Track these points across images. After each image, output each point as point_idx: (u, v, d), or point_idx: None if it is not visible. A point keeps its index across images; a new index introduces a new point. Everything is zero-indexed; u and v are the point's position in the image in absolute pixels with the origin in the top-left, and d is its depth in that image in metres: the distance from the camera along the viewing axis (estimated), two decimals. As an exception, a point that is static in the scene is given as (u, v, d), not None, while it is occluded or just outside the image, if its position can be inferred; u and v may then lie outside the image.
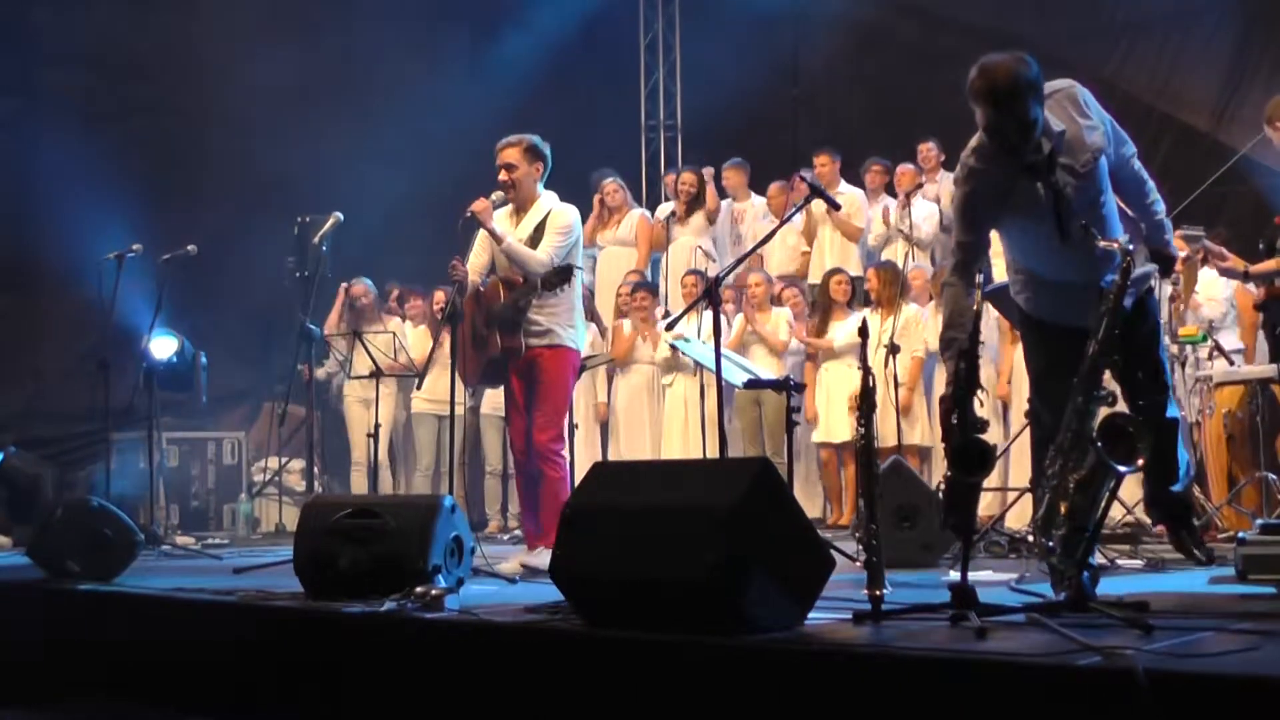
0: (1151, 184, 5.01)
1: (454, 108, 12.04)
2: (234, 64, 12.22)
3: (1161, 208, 5.05)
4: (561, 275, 6.45)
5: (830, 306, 9.56)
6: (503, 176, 6.69)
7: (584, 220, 9.18)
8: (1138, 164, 4.97)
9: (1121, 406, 4.73)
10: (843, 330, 9.45)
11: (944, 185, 10.33)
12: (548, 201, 6.72)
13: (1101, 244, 4.68)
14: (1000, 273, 9.09)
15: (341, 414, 10.96)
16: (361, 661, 4.65)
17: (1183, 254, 6.52)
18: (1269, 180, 8.43)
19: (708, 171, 10.98)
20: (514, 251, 6.54)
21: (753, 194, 11.01)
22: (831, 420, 9.43)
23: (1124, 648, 3.32)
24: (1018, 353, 8.62)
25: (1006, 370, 8.76)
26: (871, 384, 4.60)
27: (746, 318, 9.64)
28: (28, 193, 11.28)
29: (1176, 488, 5.54)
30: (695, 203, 10.77)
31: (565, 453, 6.71)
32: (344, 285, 10.71)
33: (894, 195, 10.39)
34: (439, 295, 10.47)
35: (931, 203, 10.09)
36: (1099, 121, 4.84)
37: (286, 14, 12.31)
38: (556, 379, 6.62)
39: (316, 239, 8.47)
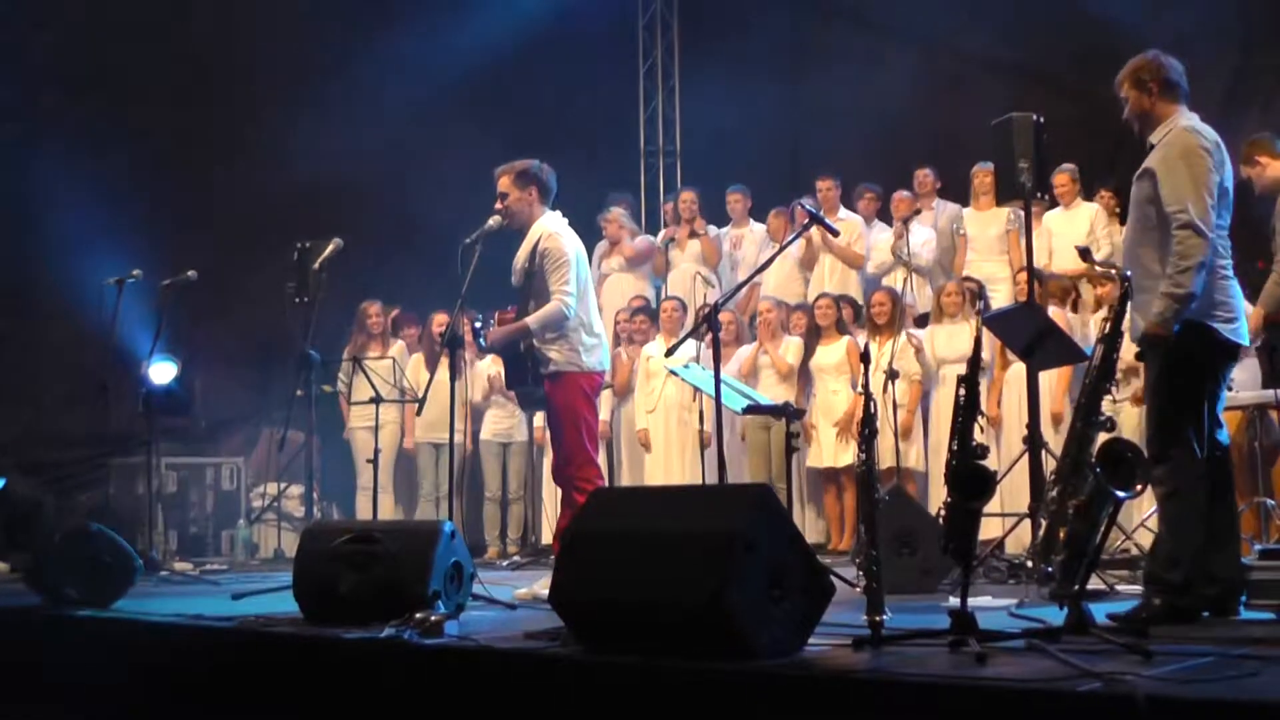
0: (1176, 263, 4.82)
1: (451, 132, 12.07)
2: (235, 90, 12.27)
3: (1167, 287, 4.89)
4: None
5: (818, 331, 9.53)
6: (497, 205, 6.82)
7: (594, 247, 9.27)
8: (1176, 234, 4.87)
9: (1130, 432, 4.75)
10: (827, 354, 9.44)
11: (941, 211, 10.36)
12: (539, 227, 6.78)
13: (1099, 269, 4.70)
14: (999, 300, 9.18)
15: (341, 440, 10.92)
16: (361, 687, 4.64)
17: None
18: (1257, 213, 8.43)
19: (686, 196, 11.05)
20: (541, 323, 6.63)
21: (751, 220, 11.03)
22: (821, 444, 9.41)
23: (1124, 673, 3.33)
24: (1009, 375, 8.65)
25: (996, 394, 8.76)
26: (873, 409, 4.60)
27: (761, 341, 9.64)
28: (28, 217, 11.29)
29: (1147, 565, 5.07)
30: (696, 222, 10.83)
31: (596, 476, 6.70)
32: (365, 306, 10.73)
33: (888, 222, 10.41)
34: (440, 319, 10.49)
35: (929, 229, 10.11)
36: (1165, 165, 4.97)
37: (288, 42, 12.34)
38: (564, 409, 6.71)
39: (316, 265, 8.47)
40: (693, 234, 10.81)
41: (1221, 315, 4.94)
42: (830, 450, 9.35)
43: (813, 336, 9.55)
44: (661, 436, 9.81)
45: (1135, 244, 5.11)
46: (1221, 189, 5.01)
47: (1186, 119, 5.11)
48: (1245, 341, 5.10)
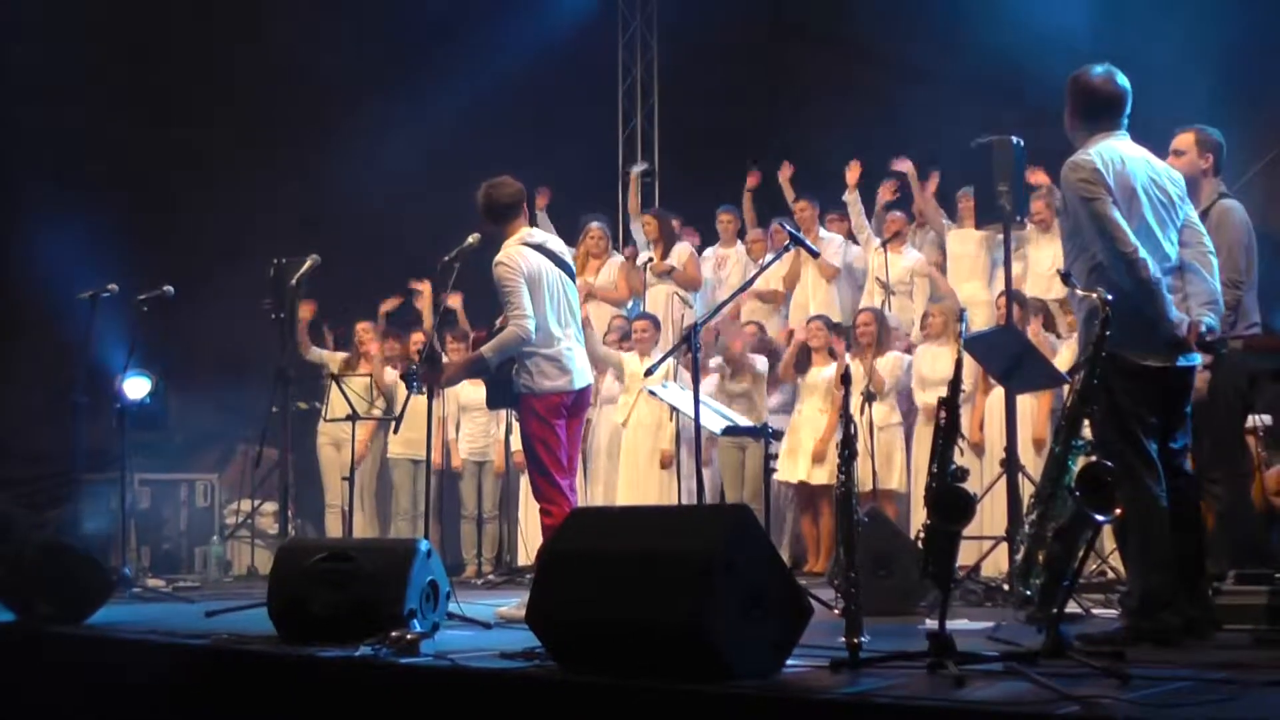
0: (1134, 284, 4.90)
1: (431, 150, 12.06)
2: (212, 104, 12.25)
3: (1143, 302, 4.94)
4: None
5: (809, 350, 9.49)
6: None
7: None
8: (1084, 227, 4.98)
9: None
10: (822, 374, 9.40)
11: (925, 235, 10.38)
12: (501, 250, 6.75)
13: (1080, 292, 4.72)
14: (980, 322, 9.19)
15: (316, 457, 10.88)
16: (336, 706, 4.61)
17: None
18: None
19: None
20: (497, 349, 6.56)
21: (738, 241, 11.03)
22: (798, 458, 9.38)
23: (1102, 697, 3.33)
24: (989, 400, 8.65)
25: (978, 417, 8.76)
26: (853, 431, 4.60)
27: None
28: (1, 231, 11.24)
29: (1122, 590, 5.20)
30: (668, 240, 10.79)
31: (560, 499, 6.59)
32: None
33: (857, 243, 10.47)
34: (418, 337, 10.46)
35: (917, 251, 10.13)
36: (1070, 208, 5.01)
37: (266, 59, 12.33)
38: (522, 432, 6.76)
39: (293, 281, 8.43)
40: (668, 271, 10.72)
41: (1130, 340, 4.81)
42: (805, 466, 9.32)
43: (803, 355, 9.51)
44: (636, 455, 9.76)
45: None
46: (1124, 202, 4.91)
47: (1081, 151, 5.03)
48: (1182, 361, 4.95)
